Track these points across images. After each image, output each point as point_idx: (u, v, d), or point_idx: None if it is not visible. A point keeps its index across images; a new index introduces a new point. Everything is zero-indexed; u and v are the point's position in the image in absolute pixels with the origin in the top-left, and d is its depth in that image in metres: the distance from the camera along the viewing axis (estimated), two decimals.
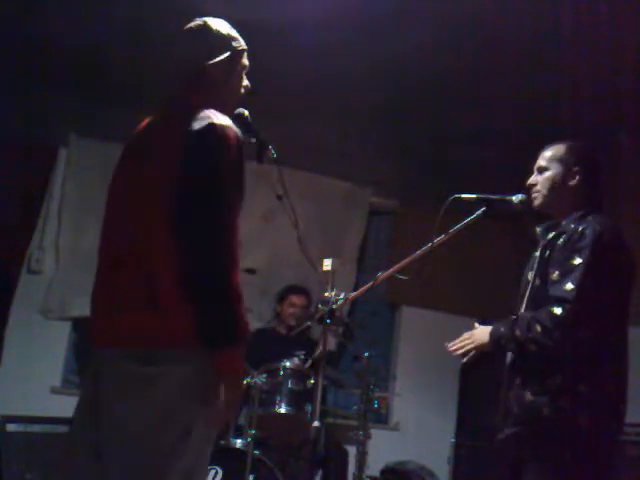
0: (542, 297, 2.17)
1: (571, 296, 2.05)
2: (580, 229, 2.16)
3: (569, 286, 2.07)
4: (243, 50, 1.93)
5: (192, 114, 1.72)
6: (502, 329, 2.19)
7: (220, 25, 1.90)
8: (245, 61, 1.95)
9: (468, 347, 2.28)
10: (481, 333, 2.26)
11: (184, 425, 1.63)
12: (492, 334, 2.22)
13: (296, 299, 4.44)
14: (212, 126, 1.69)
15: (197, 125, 1.69)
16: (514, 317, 2.20)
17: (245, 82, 1.96)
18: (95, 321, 1.77)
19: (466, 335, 2.31)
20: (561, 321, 2.05)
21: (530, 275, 2.33)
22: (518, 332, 2.13)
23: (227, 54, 1.87)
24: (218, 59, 1.85)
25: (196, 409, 1.65)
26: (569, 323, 2.05)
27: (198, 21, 1.90)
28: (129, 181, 1.78)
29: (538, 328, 2.07)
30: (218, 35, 1.88)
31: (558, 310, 2.06)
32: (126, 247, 1.71)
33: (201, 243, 1.63)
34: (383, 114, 4.28)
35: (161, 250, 1.67)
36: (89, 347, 1.78)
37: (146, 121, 1.90)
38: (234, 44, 1.90)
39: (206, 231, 1.63)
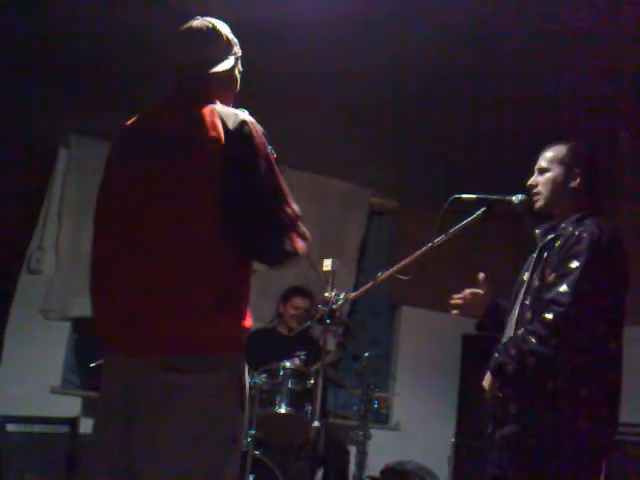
0: (539, 299, 2.16)
1: (565, 299, 2.04)
2: (577, 232, 2.15)
3: (564, 288, 2.06)
4: (240, 56, 1.95)
5: (223, 116, 1.72)
6: (497, 356, 2.15)
7: (226, 30, 1.91)
8: (240, 67, 1.96)
9: (490, 394, 2.21)
10: (485, 381, 2.22)
11: (230, 433, 1.62)
12: (491, 369, 2.18)
13: (300, 302, 4.42)
14: (245, 121, 1.72)
15: (232, 121, 1.70)
16: (505, 341, 2.18)
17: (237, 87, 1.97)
18: (119, 328, 1.68)
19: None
20: (554, 325, 2.03)
21: (525, 276, 2.32)
22: (513, 351, 2.09)
23: (232, 61, 1.89)
24: (224, 67, 1.86)
25: (238, 415, 1.65)
26: (563, 326, 2.03)
27: (205, 22, 1.88)
28: (147, 180, 1.71)
29: (533, 339, 2.05)
30: (226, 41, 1.89)
31: (549, 315, 2.04)
32: (152, 252, 1.65)
33: (272, 233, 1.69)
34: (383, 114, 4.28)
35: (199, 254, 1.63)
36: (111, 355, 1.72)
37: (142, 119, 1.86)
38: (235, 49, 1.92)
39: (271, 217, 1.69)
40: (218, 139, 1.67)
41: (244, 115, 1.75)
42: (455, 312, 2.52)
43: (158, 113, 1.83)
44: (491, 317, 2.50)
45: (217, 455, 1.59)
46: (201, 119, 1.70)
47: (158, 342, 1.61)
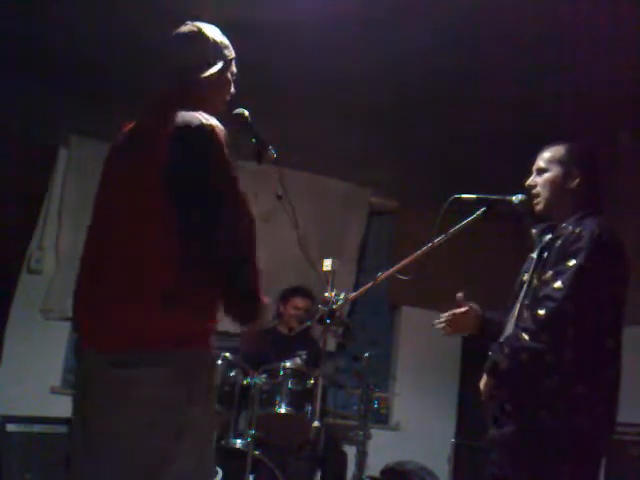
0: (537, 297, 2.16)
1: (558, 294, 2.04)
2: (577, 231, 2.15)
3: (558, 285, 2.06)
4: (233, 59, 1.95)
5: (181, 116, 1.72)
6: (492, 355, 2.16)
7: (214, 33, 1.91)
8: (234, 69, 1.96)
9: (485, 394, 2.22)
10: (482, 381, 2.23)
11: (174, 427, 1.63)
12: (486, 368, 2.18)
13: (301, 302, 4.42)
14: (200, 125, 1.70)
15: (186, 125, 1.70)
16: (500, 341, 2.18)
17: (232, 89, 1.97)
18: (78, 323, 1.77)
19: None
20: (545, 321, 2.03)
21: (526, 276, 2.32)
22: (507, 349, 2.10)
23: (220, 64, 1.89)
24: (213, 71, 1.86)
25: (185, 410, 1.65)
26: (554, 322, 2.03)
27: (192, 27, 1.90)
28: (118, 183, 1.77)
29: (525, 336, 2.05)
30: (214, 44, 1.89)
31: (542, 311, 2.05)
32: (111, 248, 1.71)
33: (215, 233, 1.67)
34: (383, 114, 4.28)
35: (151, 250, 1.67)
36: (76, 349, 1.79)
37: (132, 125, 1.90)
38: (226, 52, 1.92)
39: (211, 221, 1.68)
40: (163, 143, 1.68)
41: (203, 119, 1.72)
42: (445, 332, 2.47)
43: (142, 116, 1.88)
44: (488, 332, 2.44)
45: (161, 446, 1.61)
46: (155, 123, 1.74)
47: (109, 338, 1.65)
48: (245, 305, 1.75)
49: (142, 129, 1.81)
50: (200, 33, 1.88)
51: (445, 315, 2.44)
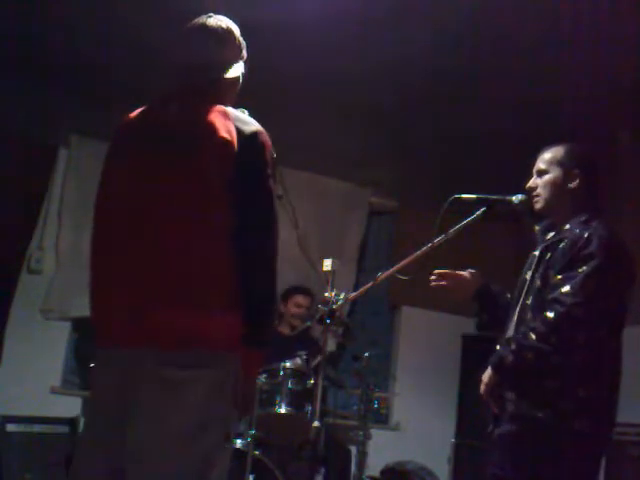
0: (542, 300, 2.16)
1: (567, 299, 2.04)
2: (586, 235, 2.14)
3: (566, 289, 2.06)
4: (245, 59, 1.97)
5: (241, 120, 1.75)
6: (498, 350, 2.17)
7: (237, 31, 1.93)
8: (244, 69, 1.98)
9: (485, 394, 2.22)
10: (485, 374, 2.23)
11: (224, 431, 1.62)
12: (491, 363, 2.18)
13: (302, 300, 4.43)
14: (259, 131, 1.75)
15: (247, 128, 1.73)
16: (507, 337, 2.19)
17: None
18: (120, 321, 1.66)
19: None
20: (554, 324, 2.04)
21: (528, 275, 2.32)
22: (514, 345, 2.11)
23: (241, 65, 1.92)
24: (236, 73, 1.90)
25: (232, 414, 1.65)
26: (563, 326, 2.04)
27: (221, 22, 1.89)
28: (152, 175, 1.71)
29: (533, 336, 2.06)
30: (238, 44, 1.92)
31: (551, 314, 2.05)
32: (160, 244, 1.65)
33: (261, 242, 1.75)
34: (383, 114, 4.28)
35: (205, 254, 1.65)
36: (104, 349, 1.72)
37: (146, 113, 1.85)
38: (244, 52, 1.95)
39: (264, 228, 1.75)
40: (231, 143, 1.68)
41: (256, 124, 1.77)
42: (435, 284, 2.53)
43: (164, 109, 1.82)
44: (484, 299, 2.51)
45: (208, 454, 1.58)
46: (213, 120, 1.71)
47: (157, 336, 1.60)
48: (264, 305, 1.76)
49: (176, 125, 1.74)
50: (229, 31, 1.89)
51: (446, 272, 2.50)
